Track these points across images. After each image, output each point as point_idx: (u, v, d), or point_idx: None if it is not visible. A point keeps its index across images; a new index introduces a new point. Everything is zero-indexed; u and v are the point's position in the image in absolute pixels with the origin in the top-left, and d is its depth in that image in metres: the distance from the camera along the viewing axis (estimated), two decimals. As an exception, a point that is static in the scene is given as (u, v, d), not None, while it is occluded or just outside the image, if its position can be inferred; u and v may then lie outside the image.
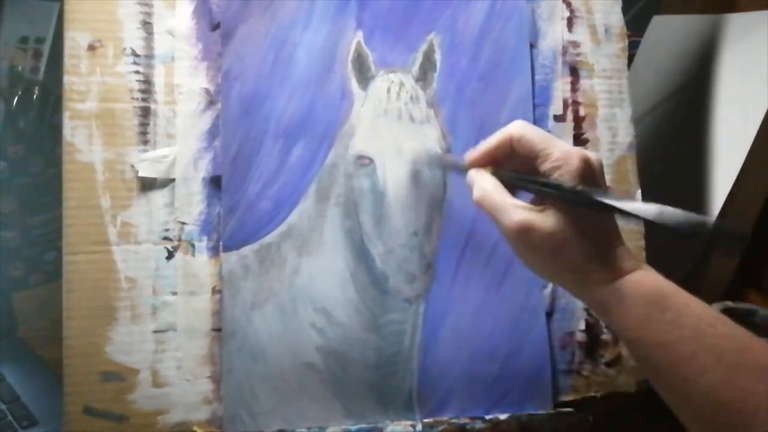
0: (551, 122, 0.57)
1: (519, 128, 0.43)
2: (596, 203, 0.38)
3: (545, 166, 0.41)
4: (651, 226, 0.58)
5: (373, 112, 0.54)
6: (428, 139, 0.54)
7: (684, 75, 0.77)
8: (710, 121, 0.71)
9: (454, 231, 0.54)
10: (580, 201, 0.39)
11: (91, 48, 0.50)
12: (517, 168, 0.44)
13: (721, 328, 0.37)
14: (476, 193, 0.43)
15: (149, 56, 0.51)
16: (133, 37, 0.51)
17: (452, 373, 0.53)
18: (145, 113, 0.51)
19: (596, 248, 0.39)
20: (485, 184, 0.42)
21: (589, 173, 0.40)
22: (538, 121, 0.56)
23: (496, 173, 0.43)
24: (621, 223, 0.57)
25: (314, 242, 0.52)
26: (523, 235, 0.40)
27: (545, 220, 0.39)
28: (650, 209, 0.37)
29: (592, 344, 0.56)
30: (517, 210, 0.40)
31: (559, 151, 0.40)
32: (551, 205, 0.40)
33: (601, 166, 0.42)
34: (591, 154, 0.41)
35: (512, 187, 0.43)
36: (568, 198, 0.39)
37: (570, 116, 0.58)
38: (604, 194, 0.39)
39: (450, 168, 0.51)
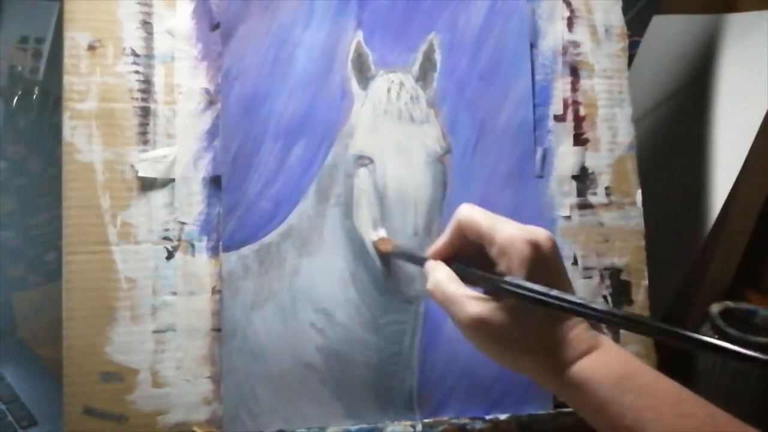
0: (551, 122, 0.57)
1: (465, 213, 0.41)
2: (540, 302, 0.36)
3: (492, 252, 0.39)
4: (651, 227, 0.58)
5: (373, 112, 0.54)
6: (428, 139, 0.54)
7: (684, 75, 0.77)
8: (710, 121, 0.71)
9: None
10: (526, 298, 0.37)
11: (91, 48, 0.50)
12: (475, 254, 0.41)
13: (684, 407, 0.36)
14: (429, 285, 0.41)
15: (149, 56, 0.51)
16: (133, 37, 0.51)
17: (452, 373, 0.53)
18: (145, 113, 0.51)
19: (554, 337, 0.38)
20: (438, 275, 0.41)
21: (538, 258, 0.38)
22: (538, 121, 0.56)
23: (454, 266, 0.42)
24: (619, 223, 0.57)
25: (314, 242, 0.52)
26: (477, 328, 0.38)
27: (499, 313, 0.38)
28: (599, 307, 0.35)
29: (592, 344, 0.56)
30: (471, 302, 0.39)
31: (502, 236, 0.39)
32: (504, 296, 0.38)
33: (553, 244, 0.39)
34: (540, 235, 0.39)
35: (468, 280, 0.41)
36: (515, 294, 0.37)
37: (570, 116, 0.57)
38: (549, 290, 0.36)
39: (412, 261, 0.49)
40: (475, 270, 0.41)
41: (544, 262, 0.38)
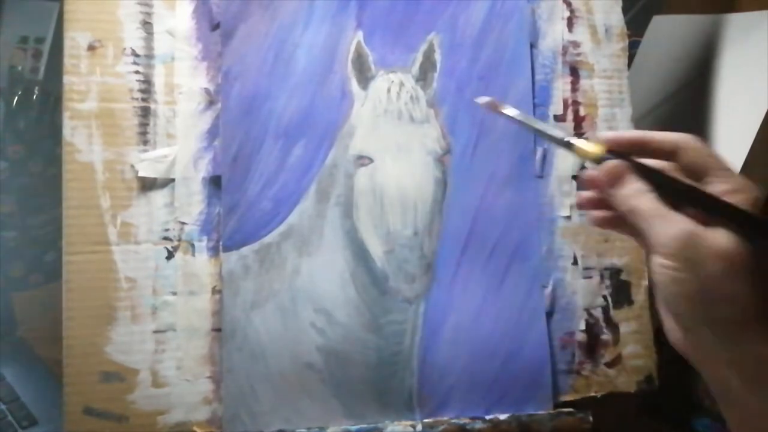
0: (551, 122, 0.57)
1: (692, 139, 0.36)
2: None
3: (720, 186, 0.34)
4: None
5: (373, 112, 0.54)
6: (428, 139, 0.54)
7: (684, 75, 0.77)
8: (710, 121, 0.71)
9: (454, 231, 0.54)
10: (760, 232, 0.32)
11: (91, 48, 0.50)
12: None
13: None
14: (628, 192, 0.35)
15: (149, 56, 0.51)
16: (133, 37, 0.51)
17: (452, 373, 0.53)
18: (145, 113, 0.51)
19: None
20: (636, 185, 0.35)
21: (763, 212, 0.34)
22: (538, 121, 0.56)
23: (651, 175, 0.35)
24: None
25: (314, 242, 0.52)
26: (691, 247, 0.32)
27: (717, 235, 0.32)
28: None
29: (592, 344, 0.56)
30: (681, 219, 0.33)
31: (740, 178, 0.35)
32: (721, 226, 0.33)
33: None
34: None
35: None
36: (747, 225, 0.33)
37: (570, 116, 0.58)
38: None
39: (549, 139, 0.41)
40: (695, 187, 0.35)
41: None
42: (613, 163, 0.36)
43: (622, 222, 0.37)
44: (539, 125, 0.41)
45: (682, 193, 0.35)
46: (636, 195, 0.35)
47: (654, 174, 0.35)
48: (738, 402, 0.34)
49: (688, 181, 0.35)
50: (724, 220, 0.33)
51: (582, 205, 0.40)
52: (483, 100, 0.42)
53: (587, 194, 0.39)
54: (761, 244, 0.33)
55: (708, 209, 0.34)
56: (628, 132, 0.38)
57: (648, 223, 0.34)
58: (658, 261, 0.34)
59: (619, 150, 0.37)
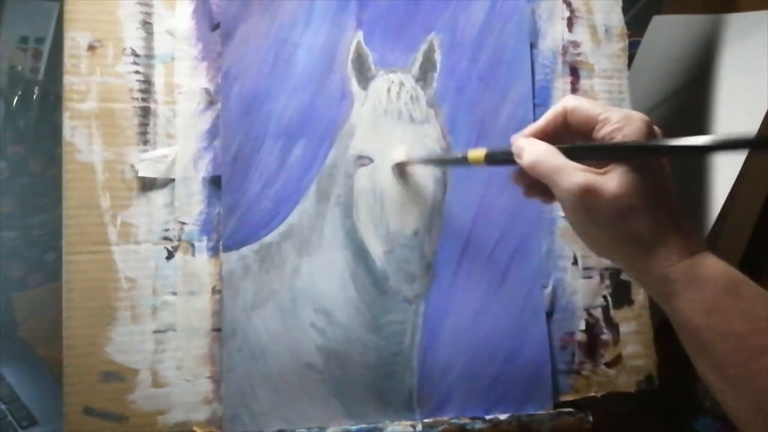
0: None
1: (573, 100, 0.40)
2: (670, 149, 0.35)
3: (605, 130, 0.38)
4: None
5: (373, 112, 0.54)
6: (428, 138, 0.54)
7: (684, 75, 0.77)
8: (710, 121, 0.71)
9: (454, 231, 0.54)
10: (652, 153, 0.36)
11: (91, 48, 0.50)
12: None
13: None
14: (528, 157, 0.39)
15: (149, 56, 0.51)
16: (133, 37, 0.51)
17: (452, 373, 0.53)
18: (145, 113, 0.51)
19: (664, 219, 0.36)
20: (538, 148, 0.39)
21: (653, 135, 0.37)
22: (538, 121, 0.56)
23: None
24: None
25: (314, 242, 0.52)
26: (586, 197, 0.36)
27: (610, 181, 0.36)
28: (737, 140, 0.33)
29: (592, 344, 0.56)
30: (577, 172, 0.37)
31: (619, 115, 0.37)
32: (616, 167, 0.36)
33: (660, 134, 0.38)
34: (650, 119, 0.38)
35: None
36: (637, 155, 0.36)
37: (570, 116, 0.57)
38: (675, 139, 0.35)
39: (452, 163, 0.47)
40: (581, 143, 0.39)
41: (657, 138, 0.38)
42: (516, 138, 0.41)
43: (542, 188, 0.40)
44: (439, 157, 0.47)
45: (571, 152, 0.38)
46: (537, 157, 0.39)
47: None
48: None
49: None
50: (615, 161, 0.36)
51: (513, 180, 0.43)
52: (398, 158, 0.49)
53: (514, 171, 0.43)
54: (652, 169, 0.36)
55: (597, 157, 0.38)
56: (527, 129, 0.41)
57: (551, 179, 0.38)
58: (565, 213, 0.39)
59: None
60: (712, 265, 0.36)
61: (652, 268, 0.36)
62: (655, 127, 0.38)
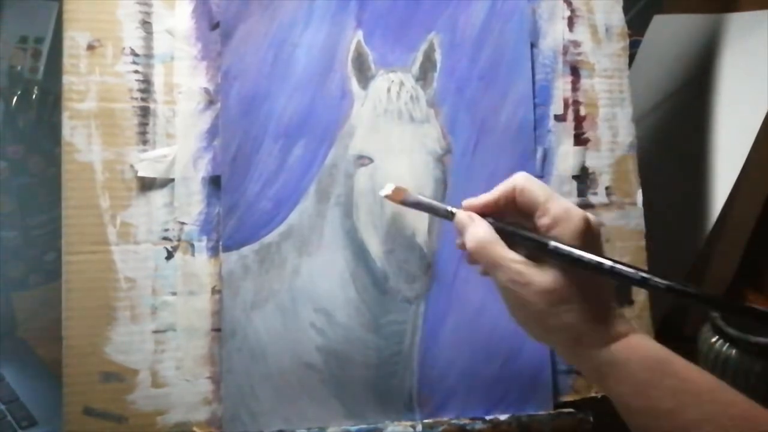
0: (552, 122, 0.57)
1: (523, 180, 0.41)
2: (595, 266, 0.37)
3: (544, 221, 0.39)
4: (651, 226, 0.58)
5: (373, 111, 0.53)
6: (428, 138, 0.54)
7: (684, 75, 0.77)
8: (711, 120, 0.70)
9: (454, 231, 0.54)
10: (579, 263, 0.38)
11: (91, 48, 0.50)
12: (512, 222, 0.42)
13: (720, 395, 0.36)
14: (471, 241, 0.41)
15: (148, 56, 0.51)
16: (133, 37, 0.51)
17: (452, 374, 0.53)
18: (145, 113, 0.51)
19: (593, 309, 0.38)
20: (480, 231, 0.41)
21: (590, 235, 0.39)
22: (538, 120, 0.56)
23: (491, 222, 0.42)
24: (620, 223, 0.57)
25: (314, 242, 0.52)
26: (520, 290, 0.39)
27: (542, 275, 0.38)
28: (661, 283, 0.36)
29: (593, 344, 0.56)
30: (513, 264, 0.39)
31: (560, 208, 0.39)
32: (548, 261, 0.39)
33: (600, 230, 0.40)
34: (591, 217, 0.40)
35: (505, 240, 0.41)
36: (566, 259, 0.38)
37: (571, 116, 0.57)
38: (603, 257, 0.38)
39: (433, 212, 0.46)
40: (523, 231, 0.41)
41: (593, 240, 0.39)
42: (458, 215, 0.43)
43: None
44: (430, 203, 0.46)
45: (511, 238, 0.41)
46: (477, 243, 0.40)
47: (489, 222, 0.41)
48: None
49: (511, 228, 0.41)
50: (547, 258, 0.39)
51: (458, 247, 0.44)
52: (387, 191, 0.47)
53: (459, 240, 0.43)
54: (578, 270, 0.38)
55: (533, 249, 0.40)
56: (481, 197, 0.43)
57: (488, 267, 0.40)
58: (501, 297, 0.41)
59: (474, 211, 0.42)
60: (639, 346, 0.38)
61: (582, 355, 0.39)
62: (596, 223, 0.40)
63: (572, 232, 0.38)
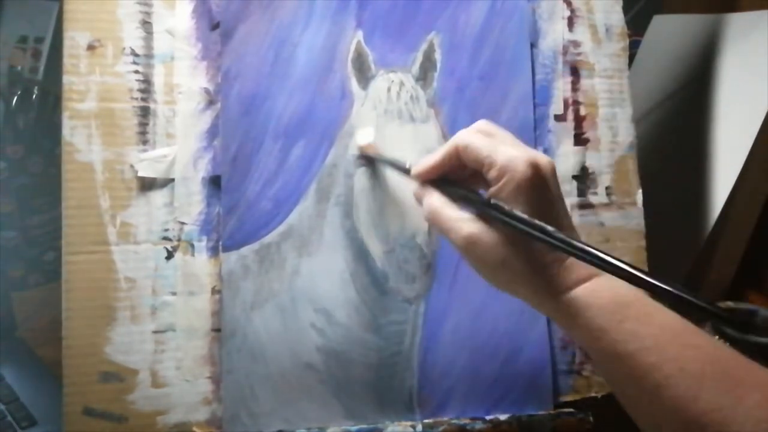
0: (552, 122, 0.57)
1: (464, 137, 0.41)
2: (520, 231, 0.37)
3: (491, 174, 0.39)
4: (651, 226, 0.58)
5: (373, 111, 0.53)
6: (428, 138, 0.54)
7: (684, 75, 0.77)
8: (711, 120, 0.70)
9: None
10: (508, 225, 0.37)
11: (91, 48, 0.50)
12: (468, 178, 0.42)
13: (687, 338, 0.35)
14: (425, 212, 0.42)
15: (149, 56, 0.51)
16: (133, 37, 0.51)
17: (452, 374, 0.53)
18: (145, 113, 0.51)
19: (543, 259, 0.38)
20: (432, 201, 0.42)
21: (537, 181, 0.38)
22: (538, 120, 0.56)
23: (441, 188, 0.42)
24: (620, 223, 0.57)
25: (314, 242, 0.52)
26: (470, 248, 0.39)
27: (490, 233, 0.38)
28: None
29: (593, 344, 0.56)
30: (464, 223, 0.39)
31: (503, 158, 0.38)
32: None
33: (553, 170, 0.39)
34: (541, 158, 0.39)
35: (458, 201, 0.42)
36: (498, 219, 0.38)
37: (570, 116, 0.57)
38: (532, 220, 0.37)
39: (395, 167, 0.49)
40: (462, 190, 0.41)
41: (543, 188, 0.38)
42: (414, 190, 0.44)
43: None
44: (391, 158, 0.49)
45: (458, 199, 0.41)
46: (430, 210, 0.41)
47: (439, 188, 0.42)
48: None
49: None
50: (481, 212, 0.39)
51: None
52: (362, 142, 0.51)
53: None
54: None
55: (479, 208, 0.40)
56: (426, 161, 0.43)
57: (442, 232, 0.41)
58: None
59: (426, 177, 0.43)
60: (597, 291, 0.37)
61: (544, 303, 0.39)
62: (546, 164, 0.39)
63: (518, 182, 0.38)
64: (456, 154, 0.41)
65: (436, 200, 0.42)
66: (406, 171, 0.45)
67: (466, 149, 0.40)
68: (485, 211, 0.39)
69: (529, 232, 0.37)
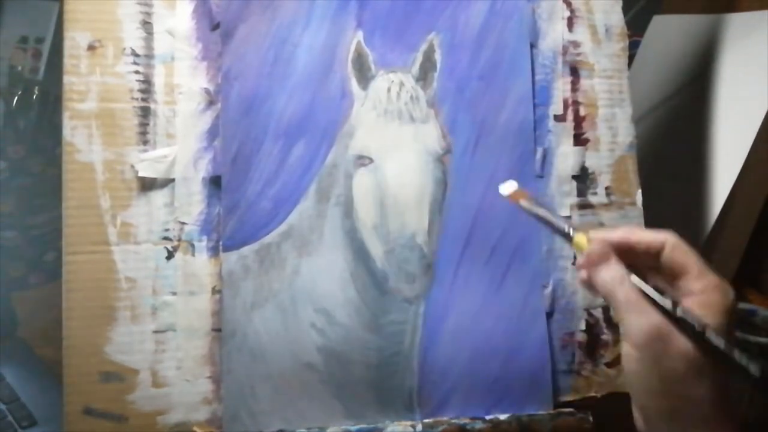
0: (551, 122, 0.57)
1: (672, 237, 0.37)
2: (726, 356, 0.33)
3: (695, 285, 0.36)
4: (651, 226, 0.58)
5: (373, 111, 0.54)
6: (428, 138, 0.54)
7: (684, 75, 0.77)
8: (711, 121, 0.71)
9: (454, 231, 0.54)
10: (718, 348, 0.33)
11: (91, 48, 0.50)
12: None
13: None
14: (607, 277, 0.37)
15: (149, 56, 0.51)
16: (133, 37, 0.51)
17: (452, 373, 0.53)
18: (145, 113, 0.51)
19: (727, 395, 0.34)
20: (618, 272, 0.37)
21: (733, 310, 0.35)
22: (538, 120, 0.56)
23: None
24: (619, 223, 0.57)
25: (314, 242, 0.52)
26: (657, 342, 0.34)
27: (681, 337, 0.34)
28: None
29: (593, 344, 0.56)
30: (654, 312, 0.35)
31: (714, 277, 0.36)
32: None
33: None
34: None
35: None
36: (700, 336, 0.34)
37: (570, 116, 0.57)
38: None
39: (551, 227, 0.43)
40: (667, 295, 0.36)
41: (732, 320, 0.36)
42: (595, 249, 0.38)
43: None
44: (548, 216, 0.42)
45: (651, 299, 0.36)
46: (612, 282, 0.36)
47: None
48: None
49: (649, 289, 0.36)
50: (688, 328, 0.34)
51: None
52: (507, 190, 0.44)
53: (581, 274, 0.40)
54: (715, 358, 0.33)
55: (672, 318, 0.35)
56: (616, 232, 0.39)
57: (621, 311, 0.36)
58: (626, 350, 0.35)
59: (607, 247, 0.38)
60: None
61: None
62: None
63: (720, 307, 0.35)
64: (659, 246, 0.37)
65: (622, 273, 0.37)
66: (565, 235, 0.40)
67: (675, 248, 0.37)
68: (677, 314, 0.35)
69: (733, 361, 0.33)
